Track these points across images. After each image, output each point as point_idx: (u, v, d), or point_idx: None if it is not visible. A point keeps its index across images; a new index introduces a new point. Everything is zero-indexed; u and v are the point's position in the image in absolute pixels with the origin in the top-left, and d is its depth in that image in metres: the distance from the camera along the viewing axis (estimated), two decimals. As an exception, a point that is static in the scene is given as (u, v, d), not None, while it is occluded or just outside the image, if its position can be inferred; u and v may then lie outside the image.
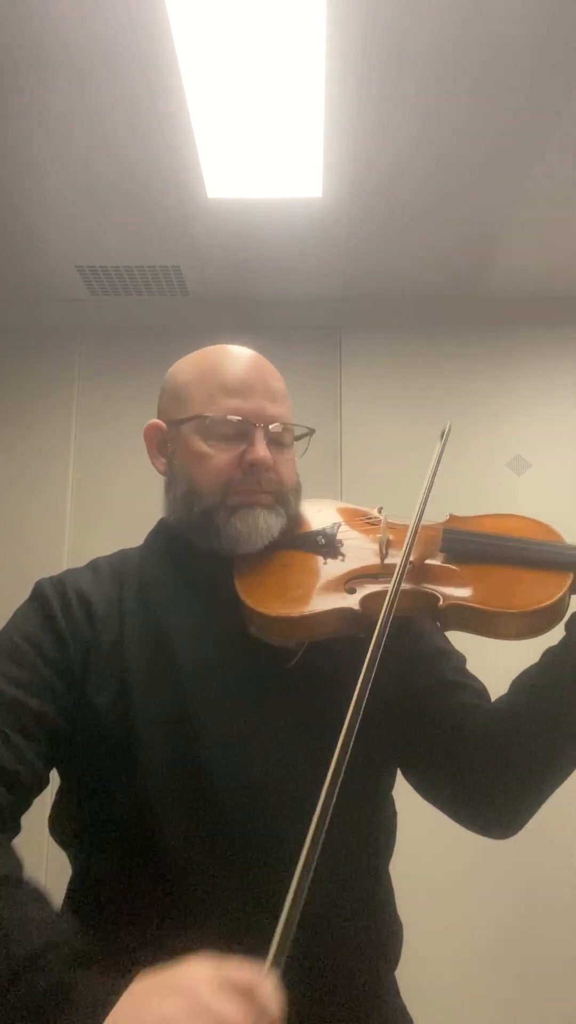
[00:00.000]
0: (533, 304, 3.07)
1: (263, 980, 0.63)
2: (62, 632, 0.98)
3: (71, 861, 1.01)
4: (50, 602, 1.00)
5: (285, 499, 1.04)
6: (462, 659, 1.10)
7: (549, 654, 0.96)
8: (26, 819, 0.92)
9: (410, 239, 2.69)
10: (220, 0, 1.70)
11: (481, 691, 1.06)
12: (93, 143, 2.19)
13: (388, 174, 2.33)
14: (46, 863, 1.28)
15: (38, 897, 0.77)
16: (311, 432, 1.08)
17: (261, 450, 1.00)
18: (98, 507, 2.97)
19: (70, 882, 1.00)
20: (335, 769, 0.72)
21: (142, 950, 0.88)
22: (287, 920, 0.65)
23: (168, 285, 2.99)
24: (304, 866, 0.67)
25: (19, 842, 0.88)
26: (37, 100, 2.03)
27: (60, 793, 1.02)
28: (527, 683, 0.97)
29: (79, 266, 2.85)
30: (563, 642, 0.95)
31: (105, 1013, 0.63)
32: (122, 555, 1.11)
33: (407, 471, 2.88)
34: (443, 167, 2.30)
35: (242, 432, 1.01)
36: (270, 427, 1.02)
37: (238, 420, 1.01)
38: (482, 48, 1.86)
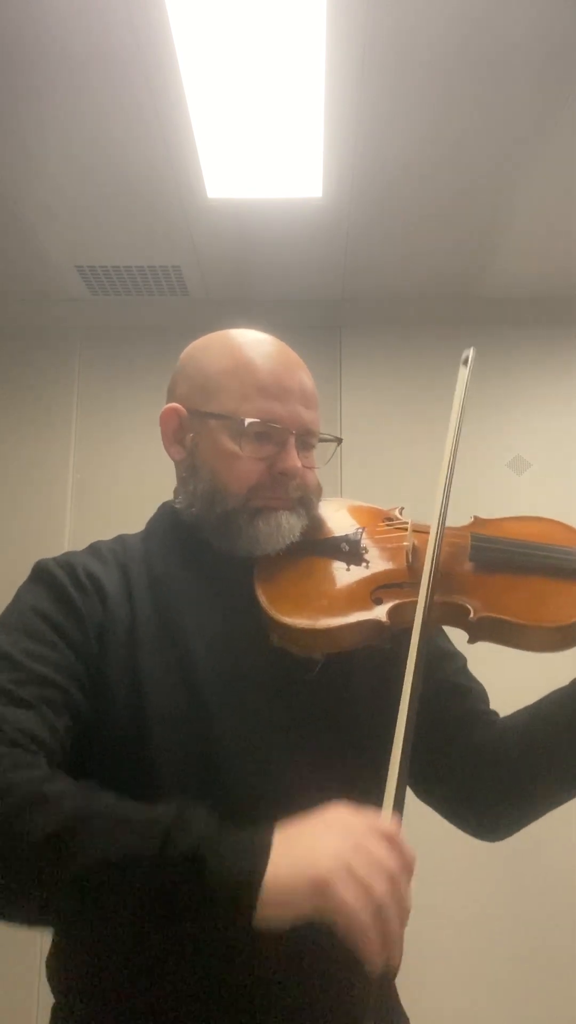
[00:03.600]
0: (533, 304, 3.07)
1: (399, 828, 0.70)
2: (79, 611, 0.93)
3: None
4: (60, 581, 0.95)
5: (308, 502, 1.03)
6: (464, 659, 1.10)
7: None
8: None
9: (410, 239, 2.69)
10: (220, 0, 1.70)
11: (484, 695, 1.07)
12: (93, 143, 2.19)
13: (388, 174, 2.33)
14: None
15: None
16: (339, 441, 1.08)
17: (292, 460, 0.98)
18: (98, 506, 2.97)
19: None
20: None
21: (151, 955, 0.87)
22: (400, 769, 0.74)
23: (168, 285, 2.98)
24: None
25: None
26: (37, 100, 2.03)
27: None
28: (551, 708, 0.96)
29: (79, 266, 2.84)
30: None
31: (267, 851, 0.67)
32: (122, 541, 1.07)
33: (407, 471, 2.90)
34: (443, 167, 2.30)
35: (274, 437, 0.99)
36: (302, 435, 1.01)
37: (273, 427, 0.99)
38: (482, 48, 1.86)
